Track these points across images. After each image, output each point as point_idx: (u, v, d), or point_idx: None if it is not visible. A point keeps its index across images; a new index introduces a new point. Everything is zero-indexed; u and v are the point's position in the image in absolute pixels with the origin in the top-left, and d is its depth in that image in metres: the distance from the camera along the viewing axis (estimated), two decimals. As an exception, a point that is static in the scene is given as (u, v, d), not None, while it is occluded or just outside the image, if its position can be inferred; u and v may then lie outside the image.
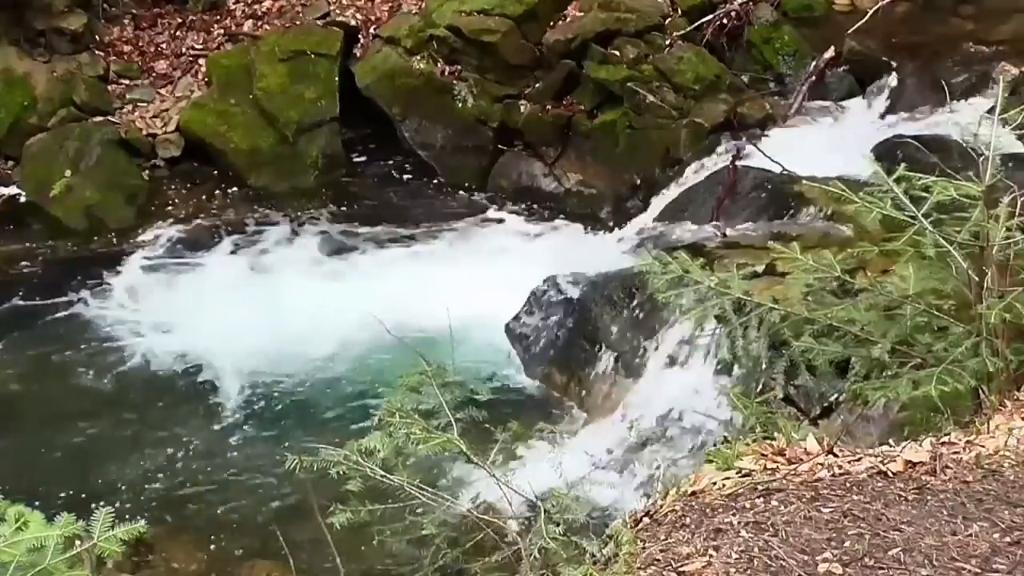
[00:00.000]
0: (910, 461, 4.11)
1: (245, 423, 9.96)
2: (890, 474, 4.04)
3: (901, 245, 5.06)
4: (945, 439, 4.32)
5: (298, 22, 13.68)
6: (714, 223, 10.67)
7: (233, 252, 12.07)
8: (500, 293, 10.34)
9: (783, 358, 5.69)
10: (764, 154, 10.76)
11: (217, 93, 13.17)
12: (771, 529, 3.75)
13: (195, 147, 13.00)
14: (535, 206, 12.55)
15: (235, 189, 12.93)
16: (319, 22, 13.57)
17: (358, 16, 13.66)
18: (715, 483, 4.11)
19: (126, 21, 13.85)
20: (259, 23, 13.85)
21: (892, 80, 11.89)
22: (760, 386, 7.18)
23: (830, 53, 12.36)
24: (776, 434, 4.55)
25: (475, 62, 12.82)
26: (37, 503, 3.87)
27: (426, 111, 12.88)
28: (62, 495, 8.84)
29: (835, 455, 4.24)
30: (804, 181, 10.03)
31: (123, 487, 9.18)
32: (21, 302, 11.47)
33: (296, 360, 10.42)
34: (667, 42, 12.63)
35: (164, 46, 13.72)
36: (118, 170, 12.66)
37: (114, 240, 12.25)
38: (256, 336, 10.61)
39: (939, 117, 10.93)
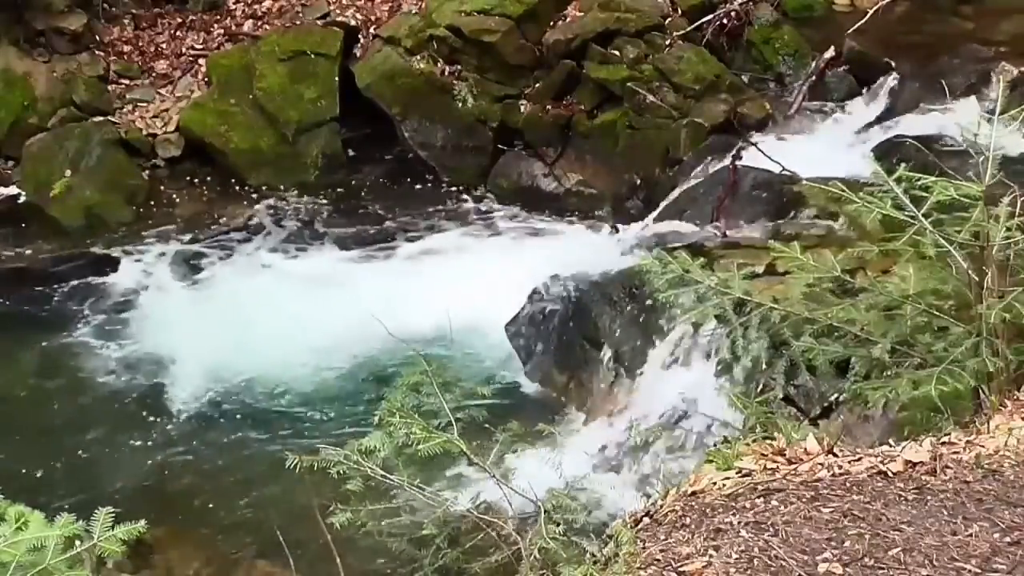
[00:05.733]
0: (910, 461, 4.11)
1: (246, 423, 9.96)
2: (890, 474, 4.04)
3: (901, 245, 5.05)
4: (945, 439, 4.32)
5: (298, 22, 13.68)
6: (714, 223, 10.67)
7: (233, 252, 12.07)
8: (500, 293, 10.33)
9: (783, 358, 5.69)
10: (764, 154, 10.76)
11: (217, 93, 13.17)
12: (771, 529, 3.75)
13: (195, 147, 13.00)
14: (535, 206, 12.54)
15: (235, 189, 12.92)
16: (319, 22, 13.57)
17: (358, 16, 13.65)
18: (715, 483, 4.11)
19: (126, 21, 13.84)
20: (259, 23, 13.84)
21: (892, 80, 11.89)
22: (760, 386, 7.17)
23: (830, 53, 12.35)
24: (776, 434, 4.55)
25: (475, 62, 12.81)
26: (36, 504, 3.86)
27: (426, 111, 12.87)
28: (61, 496, 8.82)
29: (835, 455, 4.24)
30: (804, 181, 10.03)
31: (123, 488, 9.18)
32: (20, 302, 11.47)
33: (296, 360, 10.41)
34: (667, 42, 12.62)
35: (164, 46, 13.72)
36: (118, 170, 12.66)
37: (114, 240, 12.23)
38: (256, 336, 10.61)
39: (939, 117, 10.92)
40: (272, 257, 12.00)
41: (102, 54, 13.44)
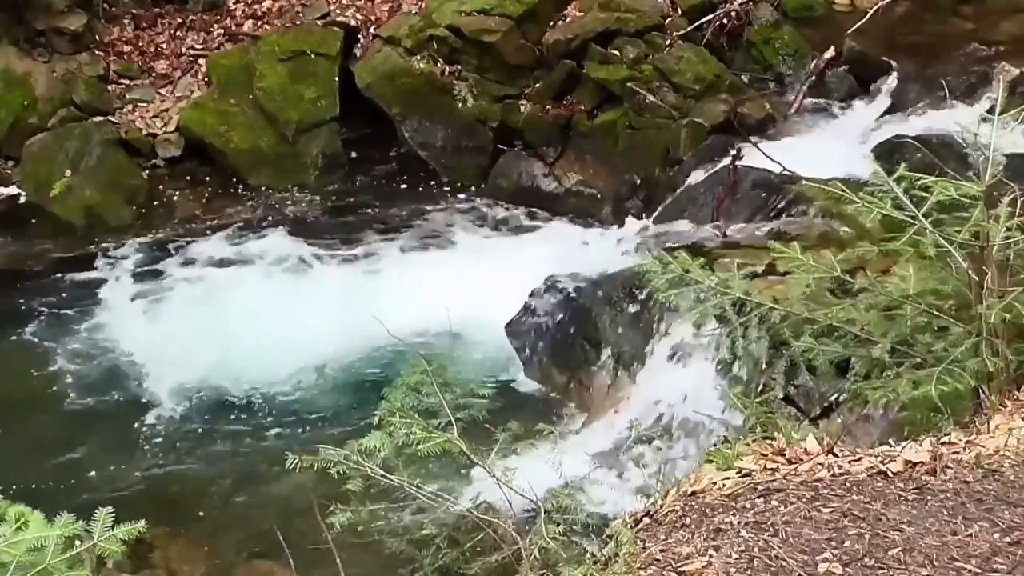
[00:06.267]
0: (910, 461, 4.11)
1: (245, 423, 9.96)
2: (890, 474, 4.04)
3: (901, 245, 5.05)
4: (945, 439, 4.32)
5: (298, 22, 13.68)
6: (714, 223, 10.67)
7: (233, 252, 12.06)
8: (500, 293, 10.33)
9: (783, 358, 5.69)
10: (764, 154, 10.76)
11: (217, 93, 13.17)
12: (771, 529, 3.75)
13: (195, 147, 13.00)
14: (535, 206, 12.54)
15: (235, 189, 12.92)
16: (319, 22, 13.57)
17: (358, 16, 13.65)
18: (715, 483, 4.11)
19: (126, 21, 13.84)
20: (259, 23, 13.84)
21: (892, 80, 11.89)
22: (760, 386, 7.17)
23: (830, 53, 12.36)
24: (776, 434, 4.55)
25: (475, 62, 12.81)
26: (34, 503, 3.86)
27: (426, 111, 12.87)
28: (61, 495, 8.83)
29: (835, 455, 4.23)
30: (804, 181, 10.03)
31: (123, 487, 9.18)
32: (20, 302, 11.46)
33: (296, 360, 10.41)
34: (667, 42, 12.62)
35: (164, 46, 13.72)
36: (118, 170, 12.66)
37: (114, 240, 12.23)
38: (255, 336, 10.60)
39: (939, 117, 10.93)
40: (271, 256, 11.99)
41: (102, 54, 13.44)
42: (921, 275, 5.20)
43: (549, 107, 12.71)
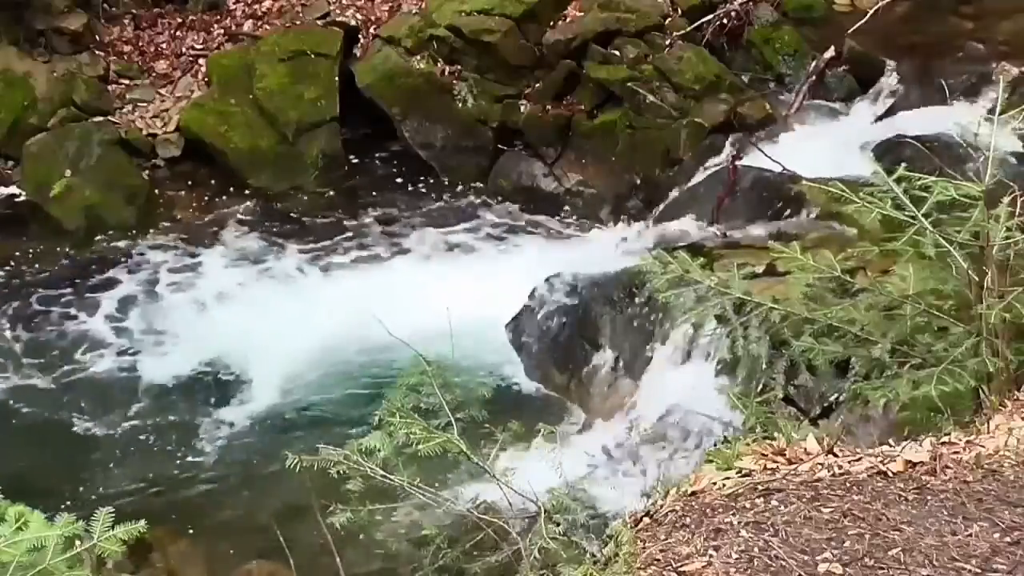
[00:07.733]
0: (910, 461, 4.11)
1: (244, 424, 9.96)
2: (890, 474, 4.04)
3: (901, 245, 5.05)
4: (945, 439, 4.32)
5: (298, 22, 13.68)
6: (714, 223, 10.68)
7: (232, 252, 12.06)
8: (500, 293, 10.34)
9: (783, 358, 5.69)
10: (764, 154, 10.76)
11: (217, 93, 13.17)
12: (771, 529, 3.74)
13: (195, 147, 13.00)
14: (535, 206, 12.54)
15: (235, 189, 12.92)
16: (319, 22, 13.57)
17: (358, 16, 13.65)
18: (715, 483, 4.10)
19: (126, 21, 13.84)
20: (259, 23, 13.84)
21: (892, 80, 11.90)
22: (760, 386, 7.17)
23: (830, 53, 12.36)
24: (776, 434, 4.54)
25: (475, 62, 12.82)
26: (34, 503, 3.86)
27: (426, 111, 12.87)
28: (61, 496, 8.83)
29: (835, 455, 4.23)
30: (804, 181, 10.03)
31: (123, 487, 9.18)
32: (20, 302, 11.46)
33: (295, 361, 10.42)
34: (667, 42, 12.63)
35: (164, 46, 13.72)
36: (118, 170, 12.65)
37: (114, 240, 12.23)
38: (254, 338, 10.61)
39: (939, 117, 10.93)
40: (271, 257, 11.99)
41: (102, 54, 13.44)
42: (921, 275, 5.20)
43: (549, 107, 12.71)
